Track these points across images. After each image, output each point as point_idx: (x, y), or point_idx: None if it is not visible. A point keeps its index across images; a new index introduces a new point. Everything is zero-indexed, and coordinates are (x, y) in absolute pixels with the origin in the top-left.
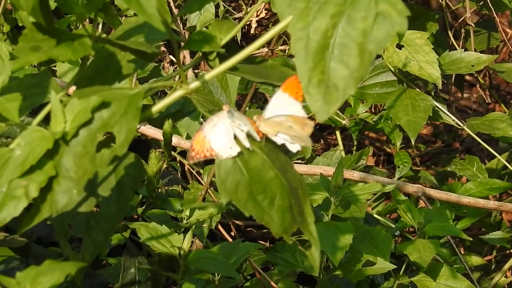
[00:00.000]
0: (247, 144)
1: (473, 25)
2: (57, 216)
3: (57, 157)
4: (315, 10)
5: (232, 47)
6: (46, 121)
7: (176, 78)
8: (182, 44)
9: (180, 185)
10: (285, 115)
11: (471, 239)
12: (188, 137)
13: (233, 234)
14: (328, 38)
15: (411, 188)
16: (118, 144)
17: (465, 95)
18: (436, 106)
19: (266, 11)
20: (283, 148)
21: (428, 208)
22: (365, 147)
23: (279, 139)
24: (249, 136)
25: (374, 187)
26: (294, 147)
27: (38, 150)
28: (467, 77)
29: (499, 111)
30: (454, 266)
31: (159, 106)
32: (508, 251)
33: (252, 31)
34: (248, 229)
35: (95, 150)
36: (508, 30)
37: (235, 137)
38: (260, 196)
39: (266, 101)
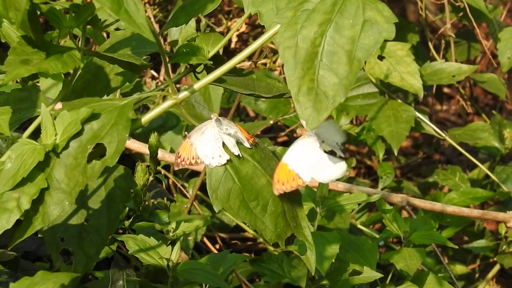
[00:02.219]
0: (236, 151)
1: (453, 35)
2: (48, 229)
3: (48, 169)
4: (303, 19)
5: (219, 60)
6: (34, 135)
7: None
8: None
9: (166, 198)
10: None
11: (457, 247)
12: (172, 151)
13: (218, 247)
14: (316, 46)
15: (396, 198)
16: (109, 155)
17: (444, 107)
18: (418, 117)
19: (246, 25)
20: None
21: (413, 217)
22: (345, 159)
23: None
24: (239, 143)
25: (359, 197)
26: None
27: (29, 162)
28: (445, 89)
29: (478, 122)
30: (439, 274)
31: (149, 116)
32: (491, 260)
33: (232, 45)
34: (233, 241)
35: (86, 162)
36: (485, 41)
37: (224, 145)
38: (252, 203)
39: (248, 115)
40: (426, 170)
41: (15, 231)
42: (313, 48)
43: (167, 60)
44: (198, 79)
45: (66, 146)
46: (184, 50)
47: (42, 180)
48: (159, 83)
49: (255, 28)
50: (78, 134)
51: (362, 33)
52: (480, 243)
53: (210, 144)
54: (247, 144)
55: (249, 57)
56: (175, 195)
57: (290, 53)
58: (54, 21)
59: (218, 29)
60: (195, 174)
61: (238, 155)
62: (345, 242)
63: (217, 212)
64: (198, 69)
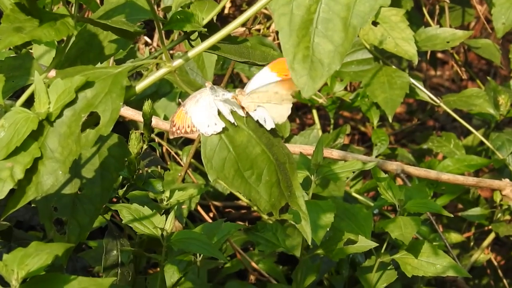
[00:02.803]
0: (231, 118)
1: (448, 1)
2: (41, 198)
3: (41, 138)
4: None
5: (213, 27)
6: (28, 103)
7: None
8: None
9: (160, 166)
10: (266, 89)
11: (452, 215)
12: (166, 118)
13: (211, 215)
14: (311, 13)
15: (390, 165)
16: (103, 123)
17: (437, 72)
18: (413, 83)
19: None
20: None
21: (407, 185)
22: (339, 126)
23: (256, 115)
24: (233, 112)
25: (354, 165)
26: (269, 124)
27: (22, 131)
28: (439, 55)
29: (472, 88)
30: (434, 243)
31: (143, 84)
32: (486, 228)
33: (226, 11)
34: (227, 210)
35: (80, 130)
36: (479, 6)
37: (219, 113)
38: (247, 172)
39: (241, 82)
40: (420, 137)
41: (8, 201)
42: (308, 15)
43: (161, 27)
44: (192, 46)
45: (60, 115)
46: (178, 17)
47: (36, 149)
48: (153, 50)
49: None
50: (72, 102)
51: (358, 0)
52: (475, 211)
53: (205, 112)
54: (241, 112)
55: (243, 24)
56: (169, 163)
57: (285, 20)
58: None
59: None
60: (189, 141)
61: (233, 123)
62: (339, 210)
63: (211, 181)
64: (192, 37)
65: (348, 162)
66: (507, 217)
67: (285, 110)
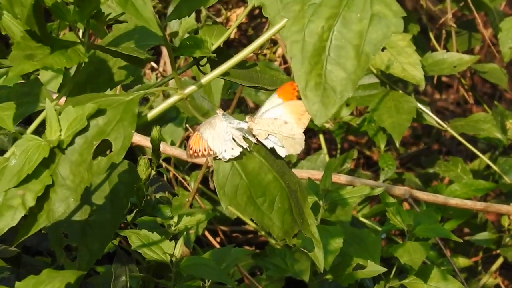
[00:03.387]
0: (245, 144)
1: (455, 25)
2: (52, 225)
3: (53, 166)
4: (310, 13)
5: (222, 52)
6: (37, 130)
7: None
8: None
9: (168, 192)
10: (274, 115)
11: (461, 240)
12: (173, 144)
13: (219, 240)
14: (324, 41)
15: (398, 190)
16: (115, 151)
17: (442, 96)
18: (419, 107)
19: (245, 16)
20: (272, 152)
21: (416, 210)
22: (344, 150)
23: (269, 143)
24: (245, 139)
25: (363, 190)
26: (282, 151)
27: (34, 159)
28: (444, 78)
29: (477, 112)
30: (442, 268)
31: (154, 111)
32: (494, 252)
33: (232, 35)
34: (234, 234)
35: (92, 158)
36: (484, 30)
37: (233, 139)
38: (259, 199)
39: (247, 107)
40: (426, 161)
41: (20, 228)
42: (320, 42)
43: (171, 54)
44: (202, 72)
45: (71, 142)
46: (188, 43)
47: (47, 177)
48: (159, 75)
49: (254, 19)
50: (84, 130)
51: (370, 27)
52: (483, 235)
53: (221, 137)
54: (253, 139)
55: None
56: (176, 188)
57: (298, 48)
58: (58, 15)
59: (218, 20)
60: (196, 167)
61: (247, 148)
62: (348, 235)
63: (224, 208)
64: (201, 62)
65: (357, 187)
66: None
67: (298, 144)
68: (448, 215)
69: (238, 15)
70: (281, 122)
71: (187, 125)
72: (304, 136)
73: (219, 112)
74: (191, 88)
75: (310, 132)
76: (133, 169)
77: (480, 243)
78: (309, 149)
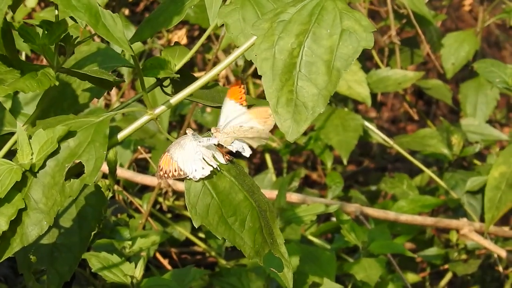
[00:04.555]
0: (214, 164)
1: (399, 42)
2: (20, 249)
3: (25, 189)
4: (279, 30)
5: (184, 73)
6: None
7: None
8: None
9: (126, 214)
10: (240, 122)
11: (416, 256)
12: (121, 166)
13: (167, 261)
14: (294, 57)
15: (349, 207)
16: (87, 172)
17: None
18: (365, 125)
19: (187, 37)
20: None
21: (367, 227)
22: (281, 169)
23: (234, 147)
24: (214, 158)
25: (318, 208)
26: (247, 152)
27: (6, 183)
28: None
29: (411, 129)
30: (392, 284)
31: (125, 132)
32: (441, 267)
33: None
34: (183, 256)
35: (64, 180)
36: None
37: (203, 158)
38: (231, 218)
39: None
40: (372, 178)
41: None
42: (291, 59)
43: (141, 74)
44: (165, 93)
45: (43, 165)
46: (152, 64)
47: (20, 201)
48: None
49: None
50: (55, 152)
51: (341, 43)
52: (432, 251)
53: (190, 157)
54: (222, 160)
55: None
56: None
57: (268, 65)
58: (27, 39)
59: (160, 42)
60: (145, 189)
61: (217, 168)
62: (303, 253)
63: (196, 227)
64: (165, 83)
65: (311, 205)
66: (463, 256)
67: (264, 137)
68: (396, 231)
69: (180, 37)
70: (246, 128)
71: (139, 147)
72: (267, 137)
73: (189, 132)
74: (161, 108)
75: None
76: (100, 191)
77: (429, 259)
78: (250, 168)
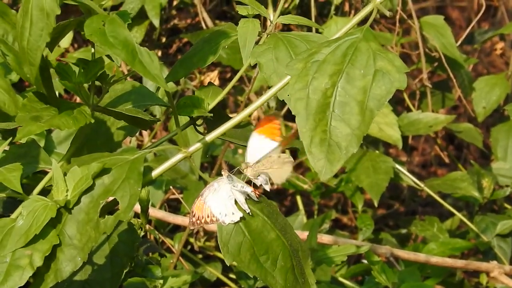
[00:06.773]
0: (247, 208)
1: (430, 85)
2: (53, 284)
3: (60, 226)
4: (313, 70)
5: (217, 112)
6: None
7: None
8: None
9: (158, 253)
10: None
11: None
12: (153, 206)
13: None
14: (328, 97)
15: (380, 249)
16: (122, 209)
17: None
18: (396, 167)
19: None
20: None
21: (398, 269)
22: (312, 211)
23: (258, 182)
24: (248, 198)
25: (348, 248)
26: (267, 187)
27: (41, 219)
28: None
29: (441, 173)
30: None
31: (159, 170)
32: None
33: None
34: None
35: (98, 216)
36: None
37: (236, 202)
38: (262, 257)
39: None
40: (403, 221)
41: None
42: (324, 99)
43: (175, 112)
44: (198, 131)
45: (77, 202)
46: (185, 102)
47: (54, 237)
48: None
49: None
50: (90, 189)
51: (374, 83)
52: None
53: (223, 202)
54: (255, 199)
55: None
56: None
57: (302, 105)
58: (64, 77)
59: (192, 83)
60: (177, 228)
61: (249, 213)
62: None
63: (228, 264)
64: (198, 122)
65: (342, 246)
66: None
67: (285, 172)
68: (426, 274)
69: (212, 78)
70: (272, 158)
71: (171, 187)
72: (292, 160)
73: (224, 173)
74: (196, 146)
75: (284, 193)
76: (133, 228)
77: None
78: (281, 211)
